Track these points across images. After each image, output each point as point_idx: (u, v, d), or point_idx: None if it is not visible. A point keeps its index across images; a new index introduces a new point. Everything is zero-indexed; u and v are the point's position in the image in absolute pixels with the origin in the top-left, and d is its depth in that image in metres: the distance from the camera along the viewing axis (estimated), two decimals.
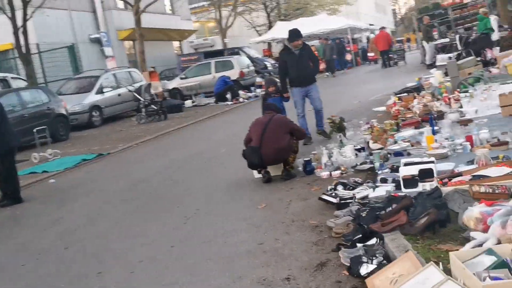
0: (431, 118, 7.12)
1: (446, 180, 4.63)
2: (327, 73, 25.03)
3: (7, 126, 8.05)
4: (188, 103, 20.33)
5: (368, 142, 7.07)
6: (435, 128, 6.86)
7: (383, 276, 3.28)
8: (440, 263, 3.07)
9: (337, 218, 4.64)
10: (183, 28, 33.29)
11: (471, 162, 5.17)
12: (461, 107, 8.10)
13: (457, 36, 16.24)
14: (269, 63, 26.58)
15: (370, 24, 40.84)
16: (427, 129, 6.63)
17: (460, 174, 4.71)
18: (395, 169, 5.43)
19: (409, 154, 6.15)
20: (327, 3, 39.47)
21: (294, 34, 8.72)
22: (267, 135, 6.71)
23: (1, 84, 16.85)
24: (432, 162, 5.04)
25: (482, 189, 4.06)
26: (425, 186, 4.71)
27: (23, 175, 9.63)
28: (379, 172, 5.74)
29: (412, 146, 6.48)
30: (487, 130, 6.06)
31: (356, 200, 4.93)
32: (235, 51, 26.17)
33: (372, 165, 6.24)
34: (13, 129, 8.43)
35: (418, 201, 4.17)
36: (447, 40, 19.12)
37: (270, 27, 35.30)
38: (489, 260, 2.84)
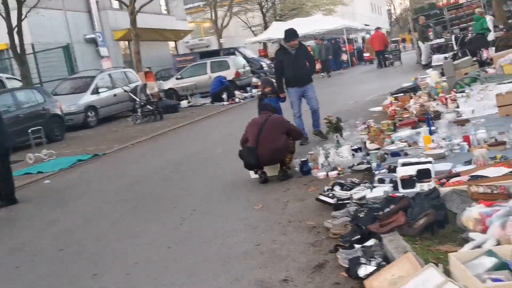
0: (428, 118, 7.10)
1: (444, 180, 4.61)
2: (322, 74, 25.05)
3: (2, 126, 8.00)
4: (184, 103, 20.29)
5: (365, 142, 7.05)
6: (432, 128, 6.85)
7: (382, 278, 3.25)
8: (440, 265, 3.05)
9: (334, 219, 4.61)
10: (178, 28, 33.24)
11: (468, 162, 5.15)
12: (457, 107, 8.10)
13: (453, 36, 16.27)
14: (265, 63, 26.56)
15: (366, 25, 40.88)
16: (424, 129, 6.61)
17: (458, 175, 4.69)
18: (392, 170, 5.41)
19: (406, 154, 6.13)
20: (323, 3, 39.50)
21: (291, 34, 8.69)
22: (264, 135, 6.68)
23: None
24: (430, 162, 5.03)
25: (481, 190, 4.04)
26: (423, 187, 4.68)
27: (18, 176, 9.57)
28: (376, 172, 5.71)
29: (409, 146, 6.46)
30: (485, 130, 6.05)
31: (353, 201, 4.90)
32: (231, 51, 26.14)
33: (369, 166, 6.22)
34: (8, 129, 8.37)
35: (416, 201, 4.14)
36: (442, 40, 19.17)
37: (265, 27, 35.31)
38: (490, 261, 2.81)
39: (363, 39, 36.76)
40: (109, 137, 14.14)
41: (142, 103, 16.82)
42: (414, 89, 11.22)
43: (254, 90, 20.28)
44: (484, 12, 16.45)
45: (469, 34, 16.45)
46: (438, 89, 9.72)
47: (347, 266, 3.63)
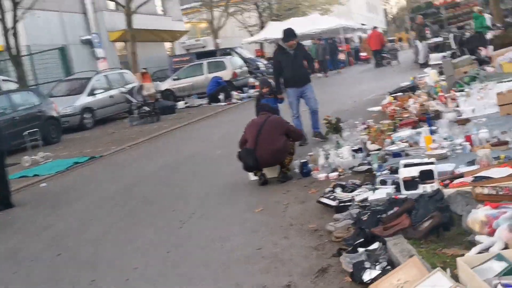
0: (428, 118, 7.04)
1: (447, 181, 4.53)
2: (320, 74, 24.97)
3: None
4: (180, 104, 20.19)
5: (365, 143, 6.97)
6: (433, 128, 6.78)
7: (387, 283, 3.17)
8: (448, 269, 2.97)
9: (336, 222, 4.53)
10: (174, 29, 33.13)
11: (471, 162, 5.07)
12: (457, 106, 8.02)
13: (451, 35, 16.21)
14: (262, 63, 26.47)
15: (362, 24, 40.85)
16: (425, 129, 6.54)
17: (461, 176, 4.61)
18: (394, 171, 5.33)
19: (407, 155, 6.05)
20: (319, 3, 39.43)
21: (289, 34, 8.61)
22: (263, 136, 6.60)
23: None
24: (432, 163, 4.95)
25: (486, 191, 3.95)
26: (426, 188, 4.60)
27: (14, 179, 9.46)
28: (378, 173, 5.63)
29: (411, 146, 6.38)
30: (486, 129, 5.97)
31: (355, 203, 4.81)
32: (228, 52, 26.05)
33: (370, 167, 6.14)
34: (3, 132, 8.27)
35: (420, 203, 4.05)
36: (440, 39, 19.12)
37: (262, 27, 35.23)
38: (499, 266, 2.73)
39: (360, 38, 36.73)
40: (106, 139, 14.03)
41: (139, 104, 16.73)
42: (413, 88, 11.15)
43: (251, 91, 20.20)
44: (483, 10, 16.42)
45: (467, 33, 16.41)
46: (437, 88, 9.65)
47: (351, 270, 3.55)
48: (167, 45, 34.35)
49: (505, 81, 8.87)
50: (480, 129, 6.03)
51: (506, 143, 5.48)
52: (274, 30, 28.19)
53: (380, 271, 3.39)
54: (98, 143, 13.37)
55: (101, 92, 18.11)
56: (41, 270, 5.01)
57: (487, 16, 16.13)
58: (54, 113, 14.98)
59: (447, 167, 5.14)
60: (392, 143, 6.71)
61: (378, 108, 10.67)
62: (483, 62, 12.54)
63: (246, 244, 4.65)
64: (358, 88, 16.41)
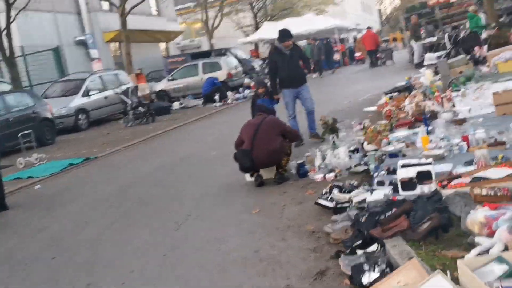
0: (425, 118, 7.02)
1: (445, 182, 4.51)
2: (314, 74, 24.96)
3: None
4: (176, 105, 20.15)
5: (362, 144, 6.94)
6: (429, 128, 6.76)
7: (387, 286, 3.13)
8: (448, 271, 2.94)
9: (334, 223, 4.50)
10: (169, 30, 33.06)
11: (469, 163, 5.05)
12: (453, 106, 8.01)
13: (446, 35, 16.21)
14: (257, 63, 26.44)
15: (357, 24, 40.89)
16: (421, 130, 6.52)
17: (459, 176, 4.59)
18: (391, 171, 5.30)
19: (404, 156, 6.02)
20: (314, 3, 39.46)
21: (285, 34, 8.56)
22: (259, 137, 6.55)
23: None
24: (430, 163, 4.92)
25: (484, 192, 3.93)
26: (424, 189, 4.58)
27: (8, 181, 9.39)
28: (375, 174, 5.60)
29: (407, 147, 6.35)
30: (483, 130, 5.95)
31: (353, 205, 4.78)
32: (223, 52, 26.01)
33: (367, 167, 6.11)
34: None
35: (418, 205, 4.03)
36: (434, 39, 19.13)
37: (257, 27, 35.21)
38: (500, 268, 2.71)
39: (355, 38, 36.74)
40: (100, 140, 13.97)
41: (134, 105, 16.68)
42: (408, 88, 11.14)
43: (246, 91, 20.16)
44: (477, 10, 16.43)
45: (462, 33, 16.41)
46: (433, 88, 9.64)
47: (350, 273, 3.52)
48: (162, 45, 34.29)
49: (500, 81, 8.89)
50: (477, 129, 6.02)
51: (503, 143, 5.47)
52: (269, 31, 28.21)
53: (379, 274, 3.36)
54: (93, 144, 13.30)
55: (95, 93, 18.06)
56: (36, 274, 4.96)
57: (482, 16, 16.14)
58: (48, 114, 14.91)
59: (444, 167, 5.13)
60: (389, 143, 6.69)
61: (374, 108, 10.65)
62: (478, 62, 12.55)
63: (243, 246, 4.61)
64: (353, 88, 16.39)
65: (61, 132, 15.85)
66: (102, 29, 26.66)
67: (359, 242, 3.88)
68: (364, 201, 4.76)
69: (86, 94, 17.73)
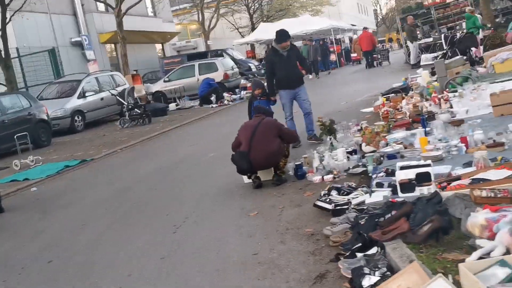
0: (423, 119, 7.00)
1: (444, 184, 4.49)
2: (310, 75, 24.95)
3: None
4: (172, 106, 20.11)
5: (360, 145, 6.92)
6: (427, 129, 6.74)
7: None
8: (449, 275, 2.92)
9: (333, 226, 4.47)
10: (165, 31, 32.99)
11: (467, 164, 5.03)
12: (451, 107, 8.00)
13: (443, 35, 16.24)
14: (253, 64, 26.43)
15: (352, 25, 40.93)
16: (419, 131, 6.50)
17: (458, 178, 4.57)
18: (390, 173, 5.28)
19: (402, 157, 6.00)
20: (310, 4, 39.49)
21: (283, 35, 8.53)
22: (257, 138, 6.51)
23: None
24: (429, 165, 4.89)
25: (484, 194, 3.91)
26: (423, 191, 4.56)
27: (4, 183, 9.35)
28: (373, 175, 5.58)
29: (405, 148, 6.33)
30: (481, 131, 5.94)
31: (352, 207, 4.75)
32: (219, 53, 25.98)
33: (365, 169, 6.09)
34: None
35: (418, 207, 4.00)
36: (431, 39, 19.17)
37: (253, 28, 35.20)
38: (503, 272, 2.68)
39: (351, 39, 36.79)
40: (97, 142, 13.91)
41: (130, 107, 16.63)
42: (405, 89, 11.14)
43: (243, 92, 20.14)
44: (474, 11, 16.48)
45: (458, 33, 16.44)
46: (430, 89, 9.63)
47: (350, 276, 3.49)
48: (158, 46, 34.21)
49: (497, 82, 8.88)
50: (475, 130, 6.01)
51: (502, 144, 5.45)
52: (265, 31, 28.22)
53: (379, 277, 3.32)
54: (89, 146, 13.25)
55: (91, 95, 18.00)
56: (33, 278, 4.91)
57: (478, 17, 16.20)
58: (44, 116, 14.85)
59: (443, 169, 5.10)
60: (387, 145, 6.67)
61: (371, 109, 10.64)
62: (475, 62, 12.56)
63: (242, 249, 4.57)
64: (350, 89, 16.39)
65: (57, 133, 15.80)
66: (98, 30, 26.59)
67: (359, 245, 3.85)
68: (363, 203, 4.74)
69: (82, 95, 17.67)
